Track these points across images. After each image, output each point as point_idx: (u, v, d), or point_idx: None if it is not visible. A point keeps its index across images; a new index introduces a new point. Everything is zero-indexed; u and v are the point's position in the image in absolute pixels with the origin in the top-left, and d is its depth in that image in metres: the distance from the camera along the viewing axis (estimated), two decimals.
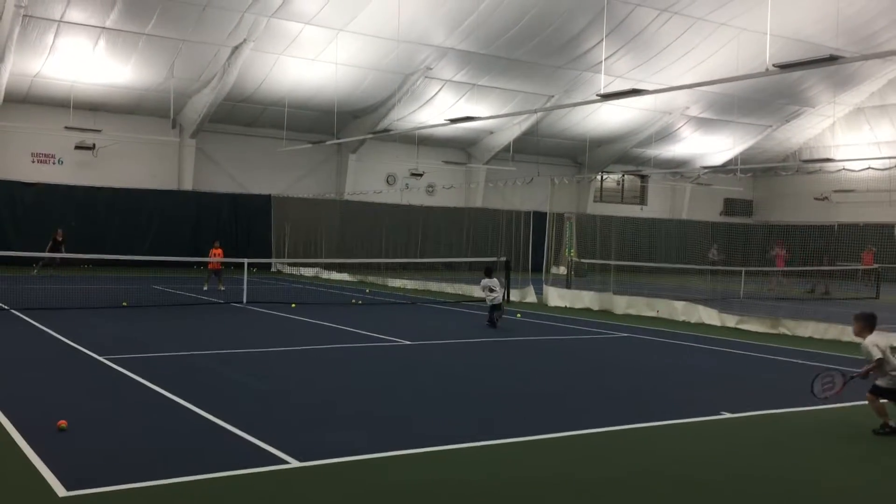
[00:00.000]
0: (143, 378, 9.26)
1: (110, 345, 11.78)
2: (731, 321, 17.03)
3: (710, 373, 11.57)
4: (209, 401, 8.14)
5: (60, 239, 26.65)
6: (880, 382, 7.52)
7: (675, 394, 9.81)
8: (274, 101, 33.16)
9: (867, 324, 7.67)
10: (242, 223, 34.42)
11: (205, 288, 22.26)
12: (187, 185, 34.03)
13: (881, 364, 7.40)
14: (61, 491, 5.38)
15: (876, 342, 7.51)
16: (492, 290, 15.65)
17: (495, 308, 15.61)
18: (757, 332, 16.05)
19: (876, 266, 29.38)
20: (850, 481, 6.38)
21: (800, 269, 29.03)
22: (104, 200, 31.71)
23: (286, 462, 6.19)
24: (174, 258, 25.22)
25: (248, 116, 34.58)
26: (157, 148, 33.43)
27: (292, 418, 7.79)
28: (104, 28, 27.05)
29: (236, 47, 28.99)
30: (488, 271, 16.29)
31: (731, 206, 48.40)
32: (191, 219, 33.37)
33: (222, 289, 21.78)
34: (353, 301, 20.88)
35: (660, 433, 7.61)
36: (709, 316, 17.59)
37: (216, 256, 22.87)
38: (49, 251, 25.59)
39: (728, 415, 8.38)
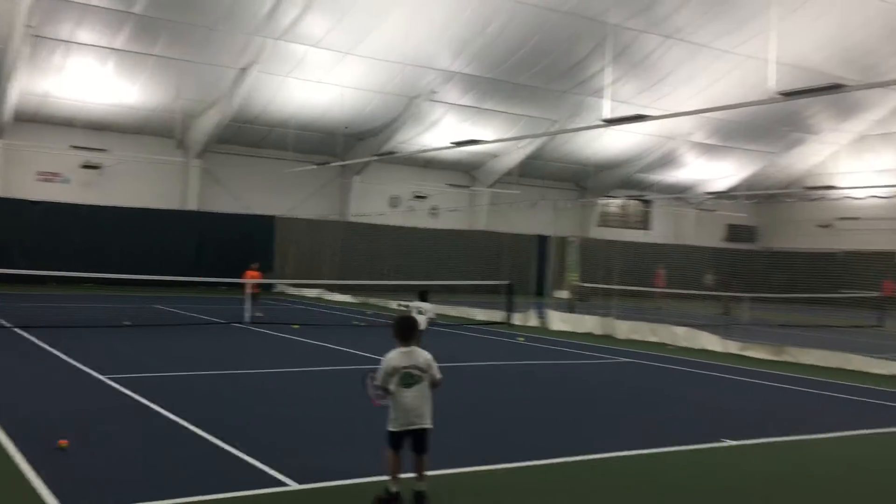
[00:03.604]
0: (144, 398, 9.24)
1: (112, 364, 11.76)
2: (734, 347, 17.00)
3: (712, 399, 11.51)
4: (209, 421, 8.12)
5: None
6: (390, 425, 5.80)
7: (674, 419, 9.77)
8: (280, 122, 33.36)
9: (396, 332, 5.88)
10: (246, 243, 34.42)
11: (256, 315, 19.82)
12: (192, 205, 34.12)
13: (389, 393, 5.85)
14: None
15: (391, 362, 5.83)
16: (420, 314, 13.66)
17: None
18: (760, 359, 16.01)
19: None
20: None
21: (805, 296, 29.06)
22: (108, 219, 31.78)
23: (285, 484, 6.17)
24: (177, 278, 25.21)
25: (253, 137, 34.76)
26: (162, 168, 33.56)
27: (291, 439, 7.77)
28: (113, 49, 27.31)
29: (243, 69, 29.23)
30: (424, 295, 14.38)
31: (734, 231, 48.42)
32: (194, 238, 33.43)
33: (257, 315, 19.90)
34: (355, 323, 20.86)
35: (659, 460, 7.59)
36: (710, 342, 17.56)
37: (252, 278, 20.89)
38: None
39: (730, 442, 8.35)
